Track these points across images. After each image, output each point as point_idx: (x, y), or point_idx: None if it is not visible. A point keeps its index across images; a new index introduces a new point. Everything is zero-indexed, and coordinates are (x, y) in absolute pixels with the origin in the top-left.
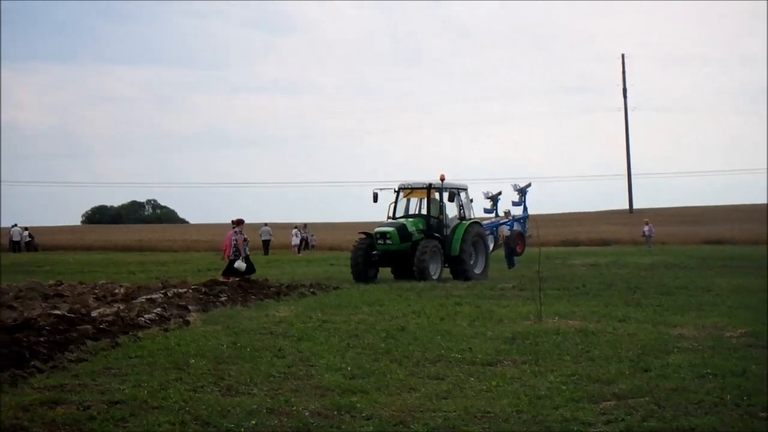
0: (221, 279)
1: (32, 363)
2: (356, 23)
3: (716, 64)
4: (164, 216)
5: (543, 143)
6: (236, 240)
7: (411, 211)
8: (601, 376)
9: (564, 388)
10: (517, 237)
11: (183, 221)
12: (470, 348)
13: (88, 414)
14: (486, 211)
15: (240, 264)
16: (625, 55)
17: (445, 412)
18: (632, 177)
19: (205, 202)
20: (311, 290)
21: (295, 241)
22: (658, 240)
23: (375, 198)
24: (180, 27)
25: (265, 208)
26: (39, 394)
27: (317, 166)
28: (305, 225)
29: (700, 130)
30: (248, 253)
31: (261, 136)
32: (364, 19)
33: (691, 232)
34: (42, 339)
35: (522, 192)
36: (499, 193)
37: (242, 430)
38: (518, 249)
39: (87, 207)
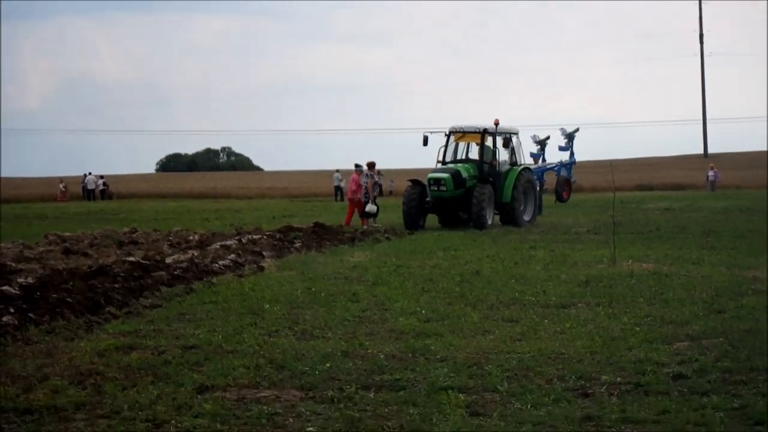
0: (362, 222)
1: (107, 309)
2: None
3: None
4: (239, 163)
5: (618, 89)
6: (367, 183)
7: (460, 156)
8: (674, 317)
9: (638, 329)
10: (563, 183)
11: (258, 168)
12: (544, 291)
13: (162, 359)
14: (533, 155)
15: (371, 207)
16: (702, 0)
17: (519, 354)
18: (707, 122)
19: (279, 149)
20: (386, 236)
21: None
22: (732, 184)
23: (425, 141)
24: None
25: (339, 155)
26: (114, 339)
27: (393, 113)
28: (379, 171)
29: None
30: (376, 195)
31: (336, 84)
32: None
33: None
34: (117, 285)
35: (569, 137)
36: (548, 138)
37: (317, 373)
38: (564, 195)
39: (162, 155)
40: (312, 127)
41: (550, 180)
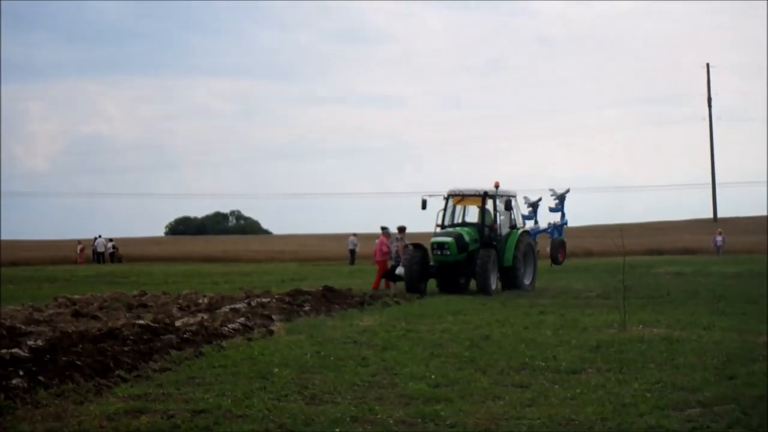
0: (384, 285)
1: (117, 372)
2: (441, 35)
3: None
4: (248, 227)
5: (625, 153)
6: (398, 246)
7: (457, 219)
8: (686, 383)
9: (649, 395)
10: (558, 245)
11: (266, 232)
12: (554, 356)
13: (172, 423)
14: (525, 218)
15: (401, 269)
16: (709, 65)
17: (529, 420)
18: (716, 186)
19: (287, 212)
20: (395, 299)
21: None
22: (744, 249)
23: (424, 205)
24: (266, 39)
25: (348, 218)
26: (123, 403)
27: (401, 175)
28: (389, 235)
29: None
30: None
31: (344, 147)
32: (448, 31)
33: None
34: (126, 349)
35: (560, 198)
36: (539, 200)
37: None
38: (560, 257)
39: (171, 218)
40: (320, 190)
41: (542, 243)
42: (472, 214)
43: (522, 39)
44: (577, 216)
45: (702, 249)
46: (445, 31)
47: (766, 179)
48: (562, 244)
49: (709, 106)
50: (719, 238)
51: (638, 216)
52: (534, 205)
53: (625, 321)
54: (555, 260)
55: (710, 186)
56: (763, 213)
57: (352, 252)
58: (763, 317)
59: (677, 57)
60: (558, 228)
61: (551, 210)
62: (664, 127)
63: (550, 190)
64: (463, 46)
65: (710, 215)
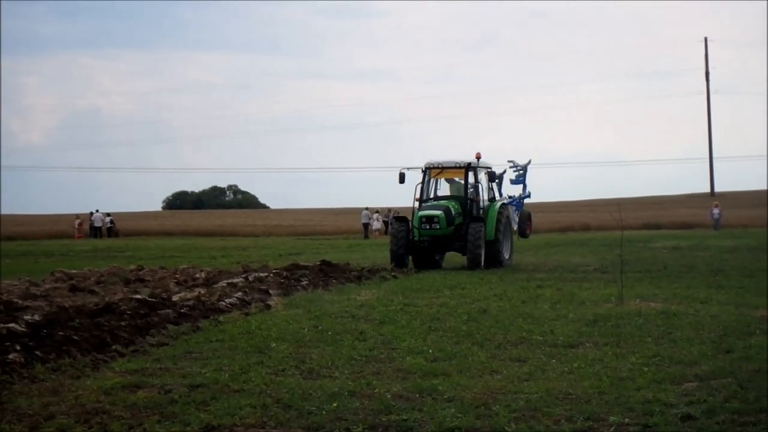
0: None
1: (113, 347)
2: (434, 9)
3: None
4: (245, 201)
5: (623, 128)
6: None
7: (432, 193)
8: (683, 357)
9: (646, 369)
10: (526, 218)
11: (264, 206)
12: (552, 330)
13: (169, 398)
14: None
15: None
16: (707, 39)
17: (527, 394)
18: (714, 160)
19: (285, 187)
20: (392, 274)
21: (377, 225)
22: (740, 223)
23: (402, 178)
24: (262, 13)
25: (345, 193)
26: (120, 377)
27: (398, 151)
28: (390, 210)
29: None
30: None
31: (339, 121)
32: (441, 5)
33: None
34: (123, 323)
35: (522, 170)
36: (504, 172)
37: (324, 412)
38: (527, 230)
39: (168, 193)
40: (318, 165)
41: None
42: (447, 188)
43: (516, 13)
44: (575, 190)
45: (699, 223)
46: (438, 6)
47: (765, 153)
48: (529, 217)
49: (707, 80)
50: (716, 211)
51: (636, 190)
52: (500, 177)
53: (623, 295)
54: (522, 233)
55: (707, 160)
56: (760, 187)
57: (366, 225)
58: (760, 291)
59: (675, 31)
60: (520, 201)
61: (512, 182)
62: (663, 101)
63: (509, 161)
64: (457, 20)
65: (707, 189)
